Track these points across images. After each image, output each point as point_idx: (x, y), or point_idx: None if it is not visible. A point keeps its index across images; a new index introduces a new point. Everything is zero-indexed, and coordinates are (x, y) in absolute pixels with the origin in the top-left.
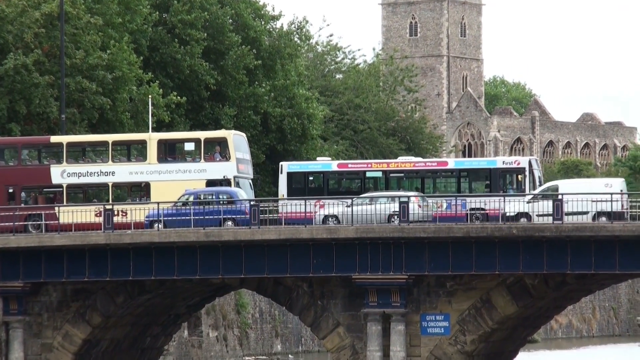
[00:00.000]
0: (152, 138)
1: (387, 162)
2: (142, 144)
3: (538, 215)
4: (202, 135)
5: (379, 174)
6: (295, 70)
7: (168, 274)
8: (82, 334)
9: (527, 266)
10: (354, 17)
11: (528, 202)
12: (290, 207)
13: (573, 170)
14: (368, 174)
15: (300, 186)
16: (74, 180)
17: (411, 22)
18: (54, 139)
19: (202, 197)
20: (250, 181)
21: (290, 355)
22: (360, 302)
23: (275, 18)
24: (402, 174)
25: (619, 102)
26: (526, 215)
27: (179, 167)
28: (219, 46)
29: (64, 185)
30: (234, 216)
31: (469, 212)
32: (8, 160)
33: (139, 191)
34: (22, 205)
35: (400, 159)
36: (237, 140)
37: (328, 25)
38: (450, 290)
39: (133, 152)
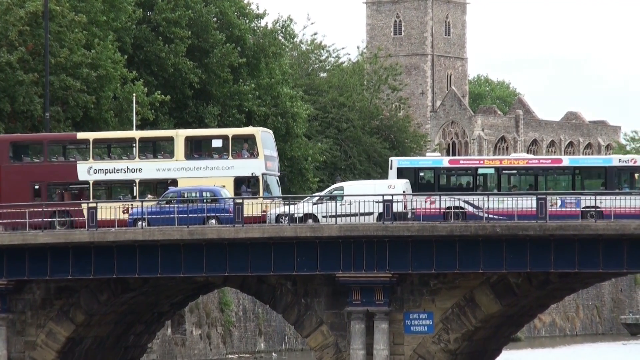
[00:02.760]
0: (180, 135)
1: (500, 159)
2: (170, 140)
3: (324, 217)
4: (230, 132)
5: (492, 171)
6: (280, 69)
7: (152, 272)
8: (65, 331)
9: (510, 265)
10: (339, 16)
11: (314, 204)
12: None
13: None
14: (480, 171)
15: (411, 182)
16: (101, 176)
17: (395, 21)
18: (80, 135)
19: (185, 196)
20: (278, 178)
21: (273, 354)
22: (344, 300)
23: (260, 16)
24: (515, 171)
25: (603, 101)
26: (313, 216)
27: (206, 164)
28: (203, 44)
29: (91, 182)
30: (217, 214)
31: (582, 209)
32: (33, 157)
33: (166, 188)
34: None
35: (513, 155)
36: (265, 137)
37: (312, 23)
38: (434, 288)
39: (160, 148)
